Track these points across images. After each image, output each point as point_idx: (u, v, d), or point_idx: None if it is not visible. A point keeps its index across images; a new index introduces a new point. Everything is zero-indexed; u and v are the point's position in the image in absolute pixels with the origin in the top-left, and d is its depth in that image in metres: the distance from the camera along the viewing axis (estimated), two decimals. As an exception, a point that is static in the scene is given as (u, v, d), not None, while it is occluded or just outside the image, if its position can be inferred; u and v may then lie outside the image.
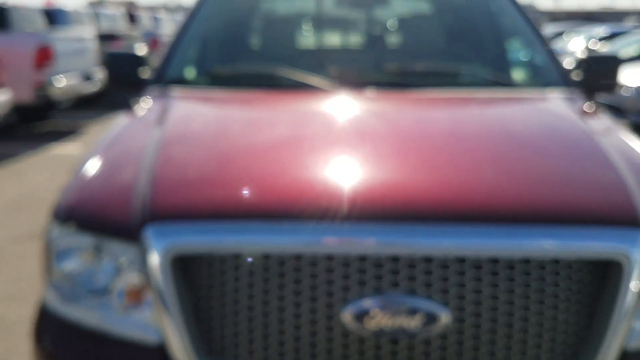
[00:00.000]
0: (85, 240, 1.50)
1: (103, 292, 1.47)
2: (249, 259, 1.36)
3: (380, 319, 1.33)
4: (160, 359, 1.39)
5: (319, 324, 1.36)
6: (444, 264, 1.34)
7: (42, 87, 9.08)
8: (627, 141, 1.92)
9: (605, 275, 1.40)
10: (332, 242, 1.35)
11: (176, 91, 2.44)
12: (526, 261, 1.36)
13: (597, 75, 2.79)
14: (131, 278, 1.44)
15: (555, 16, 40.73)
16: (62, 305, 1.54)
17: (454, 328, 1.35)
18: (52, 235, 1.56)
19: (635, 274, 1.37)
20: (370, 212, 1.40)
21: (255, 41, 2.95)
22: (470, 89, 2.46)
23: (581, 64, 2.79)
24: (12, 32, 10.05)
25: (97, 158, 1.80)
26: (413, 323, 1.32)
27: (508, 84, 2.56)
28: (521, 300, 1.36)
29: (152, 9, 35.59)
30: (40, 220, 1.76)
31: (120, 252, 1.45)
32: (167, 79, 2.57)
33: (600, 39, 13.49)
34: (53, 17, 12.67)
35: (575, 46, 14.12)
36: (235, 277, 1.37)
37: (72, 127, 9.53)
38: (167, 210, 1.44)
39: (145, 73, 2.69)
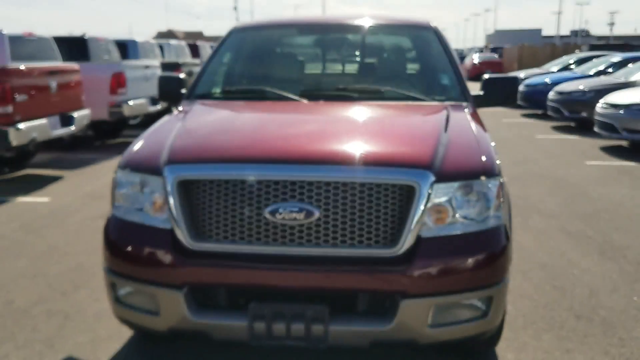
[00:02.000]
0: (134, 177, 2.76)
1: (141, 205, 2.73)
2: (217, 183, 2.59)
3: (283, 214, 2.51)
4: (170, 238, 2.61)
5: (254, 217, 2.55)
6: (317, 185, 2.51)
7: (115, 107, 10.87)
8: (464, 132, 3.04)
9: (409, 194, 2.54)
10: (261, 174, 2.55)
11: (199, 102, 3.74)
12: (362, 184, 2.52)
13: (500, 92, 3.92)
14: (155, 196, 2.68)
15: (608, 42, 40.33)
16: (119, 213, 2.80)
17: (321, 219, 2.51)
18: (116, 175, 2.84)
19: (423, 194, 2.50)
20: (284, 157, 2.60)
21: (255, 69, 4.24)
22: (388, 101, 3.62)
23: (486, 83, 3.93)
24: (92, 62, 11.97)
25: (145, 135, 3.09)
26: (300, 216, 2.50)
27: (417, 98, 3.64)
28: (358, 206, 2.51)
29: (216, 38, 38.02)
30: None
31: (152, 182, 2.69)
32: (195, 95, 3.89)
33: (612, 65, 14.18)
34: (126, 47, 14.66)
35: (588, 70, 14.90)
36: (210, 192, 2.58)
37: (139, 142, 11.15)
38: (175, 158, 2.68)
39: (183, 91, 4.02)
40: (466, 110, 3.51)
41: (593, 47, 26.35)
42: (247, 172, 2.55)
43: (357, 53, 4.42)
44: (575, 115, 12.43)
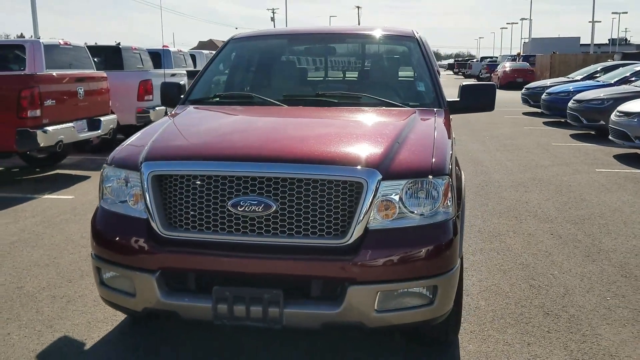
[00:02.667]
0: (120, 173, 3.08)
1: (125, 198, 3.05)
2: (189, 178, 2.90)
3: (244, 207, 2.79)
4: (146, 226, 2.92)
5: (218, 209, 2.83)
6: (275, 180, 2.78)
7: (143, 113, 11.44)
8: (423, 135, 3.27)
9: (358, 190, 2.79)
10: (224, 170, 2.84)
11: (189, 106, 4.06)
12: (315, 180, 2.78)
13: (476, 99, 4.14)
14: (136, 189, 3.00)
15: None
16: (106, 205, 3.13)
17: (278, 211, 2.78)
18: (104, 171, 3.17)
19: (371, 190, 2.75)
20: (246, 155, 2.88)
21: (246, 75, 4.55)
22: (362, 107, 3.89)
23: (462, 90, 4.15)
24: (125, 70, 12.69)
25: (133, 136, 3.42)
26: (259, 209, 2.78)
27: (391, 103, 3.89)
28: (312, 200, 2.78)
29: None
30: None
31: (133, 177, 3.01)
32: (189, 100, 4.21)
33: (636, 73, 14.10)
34: (160, 57, 15.38)
35: (611, 78, 14.82)
36: (180, 186, 2.88)
37: (163, 146, 11.73)
38: (151, 156, 2.99)
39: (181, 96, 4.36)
40: (436, 115, 3.74)
41: (626, 56, 25.95)
42: (212, 169, 2.85)
43: (341, 61, 4.71)
44: (594, 123, 12.41)
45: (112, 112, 10.14)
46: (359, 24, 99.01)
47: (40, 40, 10.66)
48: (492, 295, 4.25)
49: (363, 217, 2.76)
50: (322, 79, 4.46)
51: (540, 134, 13.46)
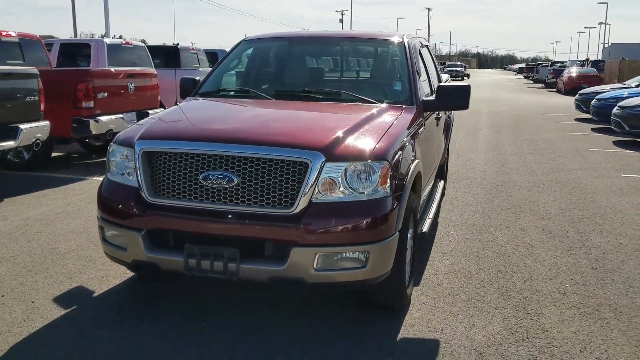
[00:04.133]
0: (122, 150, 3.76)
1: (124, 171, 3.73)
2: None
3: (212, 180, 3.40)
4: (137, 193, 3.59)
5: (192, 181, 3.46)
6: (238, 159, 3.38)
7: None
8: (378, 126, 3.79)
9: (304, 169, 3.35)
10: (197, 149, 3.46)
11: (196, 98, 4.73)
12: (270, 160, 3.36)
13: (451, 98, 4.59)
14: (132, 163, 3.67)
15: None
16: (110, 177, 3.83)
17: (239, 184, 3.37)
18: (110, 148, 3.87)
19: (314, 169, 3.30)
20: (215, 137, 3.50)
21: (250, 72, 5.19)
22: (341, 102, 4.43)
23: (438, 90, 4.62)
24: (182, 68, 13.84)
25: (139, 121, 4.11)
26: (223, 182, 3.38)
27: (367, 100, 4.40)
28: (267, 176, 3.35)
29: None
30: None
31: (129, 153, 3.68)
32: (198, 93, 4.88)
33: None
34: (217, 56, 16.51)
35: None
36: (164, 161, 3.53)
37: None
38: (143, 136, 3.66)
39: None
40: (403, 111, 4.24)
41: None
42: (188, 148, 3.48)
43: (333, 62, 5.27)
44: (636, 130, 12.32)
45: (163, 106, 11.05)
46: (428, 27, 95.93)
47: (104, 40, 11.74)
48: (457, 276, 4.69)
49: (307, 192, 3.32)
50: (313, 77, 5.04)
51: (582, 139, 13.44)
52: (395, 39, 5.04)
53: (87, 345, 3.48)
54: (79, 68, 8.79)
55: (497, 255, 5.23)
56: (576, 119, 18.15)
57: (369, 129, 3.76)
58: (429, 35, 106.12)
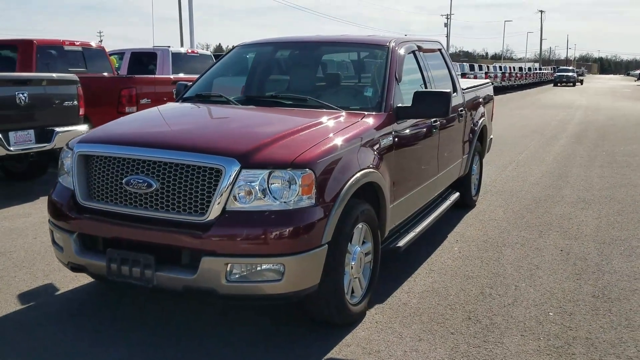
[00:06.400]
0: (68, 153, 3.85)
1: (67, 171, 3.81)
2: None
3: (133, 185, 3.39)
4: (73, 197, 3.66)
5: (117, 184, 3.47)
6: (157, 164, 3.35)
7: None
8: (316, 134, 3.61)
9: (218, 175, 3.24)
10: (121, 153, 3.46)
11: (173, 102, 4.77)
12: (186, 165, 3.29)
13: (428, 105, 4.31)
14: (70, 166, 3.74)
15: None
16: (59, 178, 3.92)
17: (158, 189, 3.34)
18: (61, 151, 3.97)
19: (228, 176, 3.20)
20: (138, 142, 3.49)
21: (231, 77, 5.15)
22: (306, 108, 4.27)
23: (415, 96, 4.34)
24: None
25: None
26: (143, 185, 3.36)
27: (328, 106, 4.24)
28: (183, 181, 3.29)
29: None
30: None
31: (70, 156, 3.76)
32: (181, 97, 4.92)
33: None
34: None
35: None
36: (94, 164, 3.57)
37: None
38: (82, 139, 3.73)
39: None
40: (363, 118, 4.03)
41: None
42: (113, 152, 3.50)
43: (312, 66, 5.09)
44: None
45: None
46: (540, 30, 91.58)
47: (169, 49, 12.24)
48: (431, 295, 4.37)
49: (220, 199, 3.22)
50: (288, 82, 4.91)
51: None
52: (379, 44, 4.80)
53: (38, 336, 3.60)
54: (124, 75, 9.20)
55: (491, 275, 4.82)
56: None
57: (307, 136, 3.59)
58: (541, 39, 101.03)
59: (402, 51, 4.80)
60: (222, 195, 3.22)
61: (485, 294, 4.42)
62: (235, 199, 3.25)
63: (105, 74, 10.04)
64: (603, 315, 4.08)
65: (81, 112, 7.69)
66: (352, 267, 3.74)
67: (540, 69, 69.68)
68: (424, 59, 5.24)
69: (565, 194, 8.04)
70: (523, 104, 27.86)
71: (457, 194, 6.24)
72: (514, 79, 43.70)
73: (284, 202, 3.25)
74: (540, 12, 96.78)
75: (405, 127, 4.45)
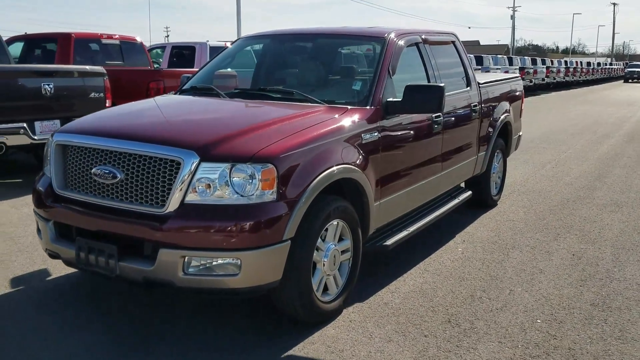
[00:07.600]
0: (52, 142, 3.94)
1: (48, 161, 3.90)
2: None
3: (100, 175, 3.43)
4: (50, 185, 3.74)
5: (87, 174, 3.51)
6: (122, 155, 3.38)
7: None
8: (288, 128, 3.55)
9: (177, 168, 3.23)
10: (91, 143, 3.51)
11: (168, 95, 4.80)
12: (147, 156, 3.30)
13: (419, 99, 4.16)
14: (49, 155, 3.82)
15: None
16: (44, 168, 4.02)
17: (123, 180, 3.36)
18: (47, 141, 4.07)
19: (186, 168, 3.18)
20: (107, 133, 3.53)
21: (227, 70, 5.13)
22: (291, 101, 4.21)
23: (406, 90, 4.20)
24: None
25: None
26: (109, 176, 3.39)
27: (313, 100, 4.15)
28: (145, 172, 3.30)
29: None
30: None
31: (51, 145, 3.84)
32: (181, 90, 4.96)
33: None
34: None
35: None
36: (69, 154, 3.63)
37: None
38: (62, 129, 3.81)
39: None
40: (344, 113, 3.93)
41: None
42: (84, 142, 3.56)
43: (305, 59, 5.00)
44: None
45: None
46: (613, 23, 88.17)
47: (207, 43, 12.41)
48: (416, 296, 4.23)
49: (179, 191, 3.21)
50: (278, 75, 4.84)
51: None
52: (376, 36, 4.67)
53: (17, 319, 3.74)
54: (153, 68, 9.38)
55: (488, 278, 4.62)
56: None
57: (276, 130, 3.53)
58: (613, 32, 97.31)
59: (401, 43, 4.65)
60: (180, 187, 3.21)
61: (475, 297, 4.24)
62: (195, 192, 3.23)
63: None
64: (596, 325, 3.83)
65: (108, 103, 7.89)
66: (324, 264, 3.66)
67: (611, 64, 66.62)
68: (431, 52, 5.06)
69: (598, 195, 7.64)
70: (585, 100, 26.68)
71: (469, 192, 6.00)
72: (579, 74, 41.92)
73: (245, 196, 3.21)
74: (612, 5, 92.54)
75: (396, 122, 4.30)
